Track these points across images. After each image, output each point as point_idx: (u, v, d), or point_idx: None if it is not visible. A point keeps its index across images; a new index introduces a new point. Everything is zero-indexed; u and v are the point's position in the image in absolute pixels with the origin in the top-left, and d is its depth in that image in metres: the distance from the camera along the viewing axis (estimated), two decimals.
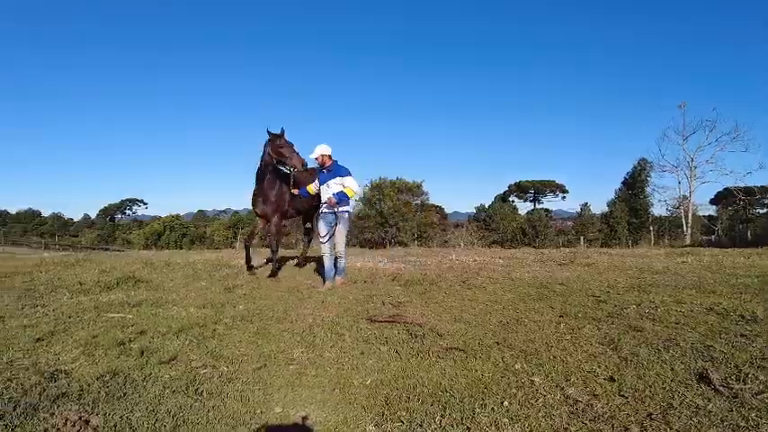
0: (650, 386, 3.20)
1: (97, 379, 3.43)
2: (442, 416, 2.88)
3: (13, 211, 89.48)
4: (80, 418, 2.81)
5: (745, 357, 3.63)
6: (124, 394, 3.19)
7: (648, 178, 39.64)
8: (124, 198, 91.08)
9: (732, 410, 2.82)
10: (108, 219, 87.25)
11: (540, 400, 3.05)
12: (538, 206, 66.69)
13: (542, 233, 41.18)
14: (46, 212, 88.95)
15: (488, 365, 3.68)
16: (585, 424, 2.74)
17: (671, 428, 2.66)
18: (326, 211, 7.14)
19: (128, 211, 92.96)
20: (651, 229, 38.06)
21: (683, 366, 3.52)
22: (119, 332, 4.65)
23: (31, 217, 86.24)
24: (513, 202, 64.06)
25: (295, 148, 7.45)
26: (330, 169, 7.04)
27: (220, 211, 78.96)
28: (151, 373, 3.56)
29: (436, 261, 10.53)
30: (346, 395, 3.24)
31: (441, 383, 3.36)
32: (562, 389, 3.21)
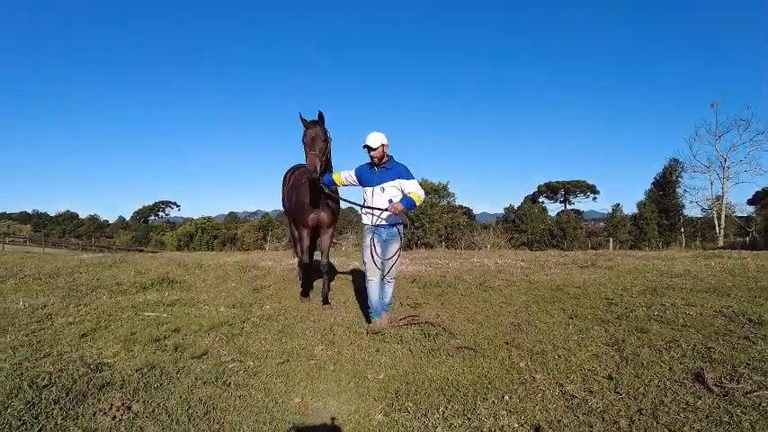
0: (646, 384, 3.40)
1: (136, 371, 3.80)
2: (445, 407, 3.15)
3: (52, 213, 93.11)
4: (123, 404, 3.17)
5: (743, 358, 3.78)
6: (160, 385, 3.54)
7: (680, 179, 38.95)
8: (157, 200, 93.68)
9: (719, 407, 3.00)
10: (141, 220, 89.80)
11: (539, 395, 3.28)
12: (568, 207, 65.99)
13: (570, 235, 40.84)
14: (82, 214, 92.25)
15: (495, 363, 3.92)
16: (578, 417, 2.97)
17: (658, 422, 2.86)
18: (378, 224, 5.22)
19: (160, 213, 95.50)
20: (682, 230, 37.38)
21: (681, 366, 3.70)
22: (154, 330, 5.04)
23: (69, 219, 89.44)
24: (542, 203, 63.57)
25: (318, 142, 5.43)
26: (387, 167, 5.22)
27: (251, 213, 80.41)
28: (184, 367, 3.91)
29: (458, 264, 10.74)
30: (360, 388, 3.54)
31: (448, 379, 3.63)
32: (561, 385, 3.43)
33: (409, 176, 5.21)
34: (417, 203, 5.13)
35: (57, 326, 5.27)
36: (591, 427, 2.85)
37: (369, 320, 5.39)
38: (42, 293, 7.32)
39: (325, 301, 6.15)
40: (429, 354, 4.20)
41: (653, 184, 40.69)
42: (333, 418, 3.03)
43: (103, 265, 11.46)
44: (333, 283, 7.71)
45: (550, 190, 69.09)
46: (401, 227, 5.36)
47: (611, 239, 36.18)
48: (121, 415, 3.04)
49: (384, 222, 5.19)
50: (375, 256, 5.20)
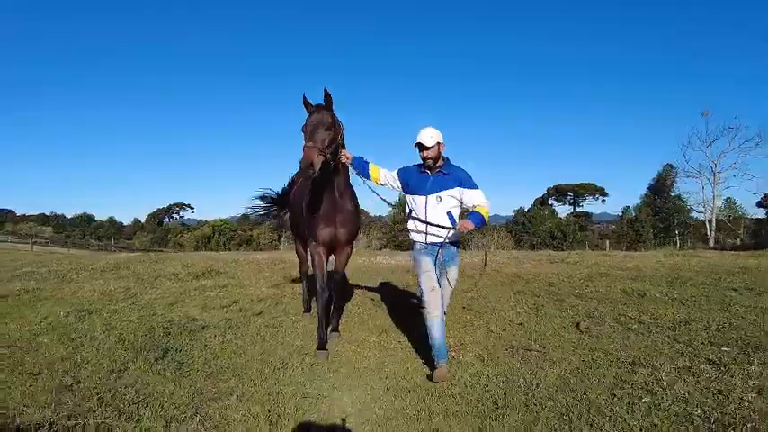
0: (542, 328, 5.45)
1: (220, 321, 5.93)
2: (410, 335, 5.25)
3: (69, 215, 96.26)
4: (221, 334, 5.29)
5: (611, 314, 5.82)
6: (239, 327, 5.66)
7: (674, 183, 40.80)
8: (172, 202, 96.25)
9: (576, 336, 5.06)
10: (157, 222, 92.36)
11: (472, 331, 5.39)
12: (578, 209, 67.36)
13: (570, 237, 42.68)
14: (98, 216, 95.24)
15: (452, 318, 5.98)
16: (489, 340, 5.05)
17: (535, 342, 4.92)
18: (434, 242, 4.36)
19: (175, 215, 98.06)
20: (677, 232, 39.15)
21: (571, 320, 5.73)
22: (219, 301, 7.15)
23: (86, 221, 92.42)
24: (551, 205, 65.05)
25: (320, 131, 4.22)
26: (444, 171, 4.36)
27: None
28: (250, 319, 6.03)
29: None
30: (362, 326, 5.69)
31: (418, 324, 5.69)
32: (488, 327, 5.53)
33: (472, 185, 4.35)
34: (487, 220, 4.31)
35: (147, 299, 7.39)
36: (494, 344, 4.93)
37: (431, 367, 4.36)
38: (118, 280, 9.39)
39: (322, 347, 4.79)
40: (410, 313, 6.28)
41: (648, 188, 42.60)
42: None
43: (150, 261, 13.57)
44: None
45: (559, 192, 70.50)
46: (458, 246, 4.59)
47: (607, 241, 38.15)
48: (222, 338, 5.17)
49: (445, 240, 4.31)
50: (435, 284, 4.34)
